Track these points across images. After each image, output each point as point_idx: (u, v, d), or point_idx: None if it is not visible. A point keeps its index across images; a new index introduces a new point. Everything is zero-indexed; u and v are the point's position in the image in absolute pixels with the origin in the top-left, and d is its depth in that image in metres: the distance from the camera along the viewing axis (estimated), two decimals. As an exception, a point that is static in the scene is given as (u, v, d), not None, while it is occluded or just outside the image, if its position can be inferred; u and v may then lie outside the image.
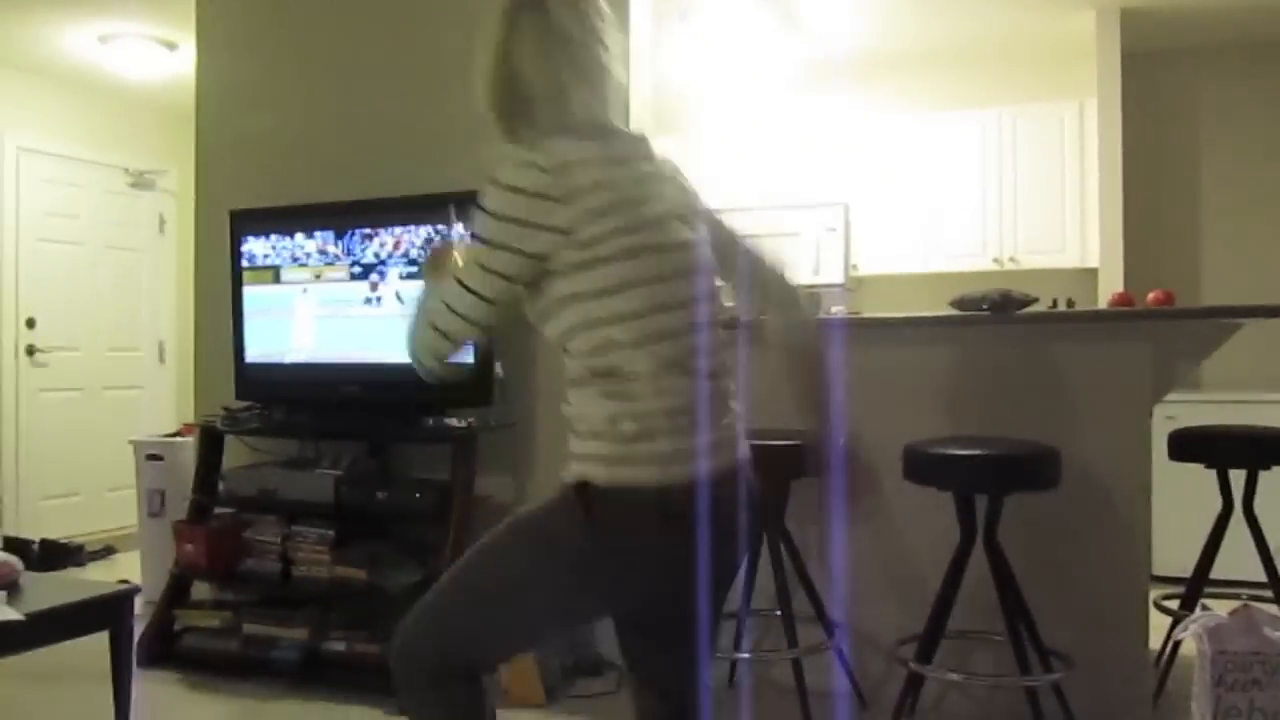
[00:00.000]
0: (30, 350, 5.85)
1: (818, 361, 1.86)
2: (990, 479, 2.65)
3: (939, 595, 2.76)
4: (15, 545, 4.96)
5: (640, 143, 1.70)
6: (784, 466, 2.89)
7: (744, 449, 1.66)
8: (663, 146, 1.75)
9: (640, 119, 3.72)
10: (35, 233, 5.91)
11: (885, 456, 3.03)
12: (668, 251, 1.59)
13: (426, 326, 1.60)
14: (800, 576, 3.08)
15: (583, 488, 1.52)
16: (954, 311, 3.16)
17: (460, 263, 1.62)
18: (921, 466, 2.71)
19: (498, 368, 3.42)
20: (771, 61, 5.85)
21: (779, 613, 2.97)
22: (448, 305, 1.58)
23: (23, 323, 5.82)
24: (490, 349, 3.31)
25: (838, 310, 3.60)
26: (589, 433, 1.55)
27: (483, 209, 1.54)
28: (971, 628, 3.09)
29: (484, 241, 1.54)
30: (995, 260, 5.45)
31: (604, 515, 1.51)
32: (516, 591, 1.58)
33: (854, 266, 5.65)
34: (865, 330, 3.32)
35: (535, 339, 2.74)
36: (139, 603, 2.96)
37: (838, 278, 5.48)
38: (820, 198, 5.64)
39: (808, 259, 5.51)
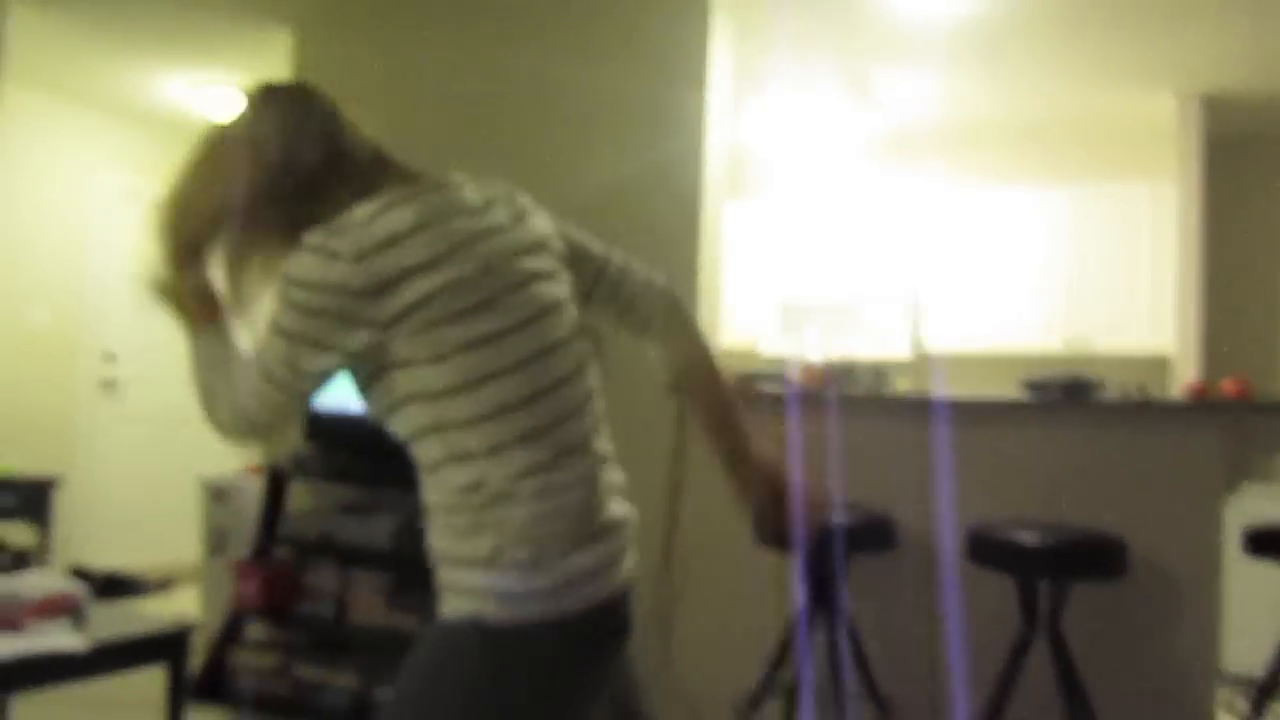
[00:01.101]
0: (108, 383, 6.02)
1: (722, 402, 1.55)
2: (1054, 566, 2.60)
3: (998, 682, 2.70)
4: (80, 574, 5.07)
5: (460, 190, 1.35)
6: (843, 541, 2.86)
7: (632, 560, 1.37)
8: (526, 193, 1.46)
9: (716, 183, 3.76)
10: (123, 269, 6.11)
11: (949, 536, 2.99)
12: (528, 325, 1.29)
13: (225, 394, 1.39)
14: (855, 654, 3.03)
15: (478, 628, 1.25)
16: (1026, 394, 3.13)
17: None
18: (985, 549, 2.67)
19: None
20: (845, 132, 5.90)
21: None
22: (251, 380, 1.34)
23: (103, 356, 6.00)
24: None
25: (905, 387, 3.57)
26: (466, 561, 1.28)
27: (284, 296, 1.28)
28: (1030, 717, 3.01)
29: (285, 334, 1.27)
30: (1065, 342, 5.38)
31: (506, 657, 1.24)
32: None
33: (921, 342, 5.61)
34: (934, 409, 3.29)
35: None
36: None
37: (905, 353, 5.45)
38: (889, 272, 5.64)
39: (875, 333, 5.49)
